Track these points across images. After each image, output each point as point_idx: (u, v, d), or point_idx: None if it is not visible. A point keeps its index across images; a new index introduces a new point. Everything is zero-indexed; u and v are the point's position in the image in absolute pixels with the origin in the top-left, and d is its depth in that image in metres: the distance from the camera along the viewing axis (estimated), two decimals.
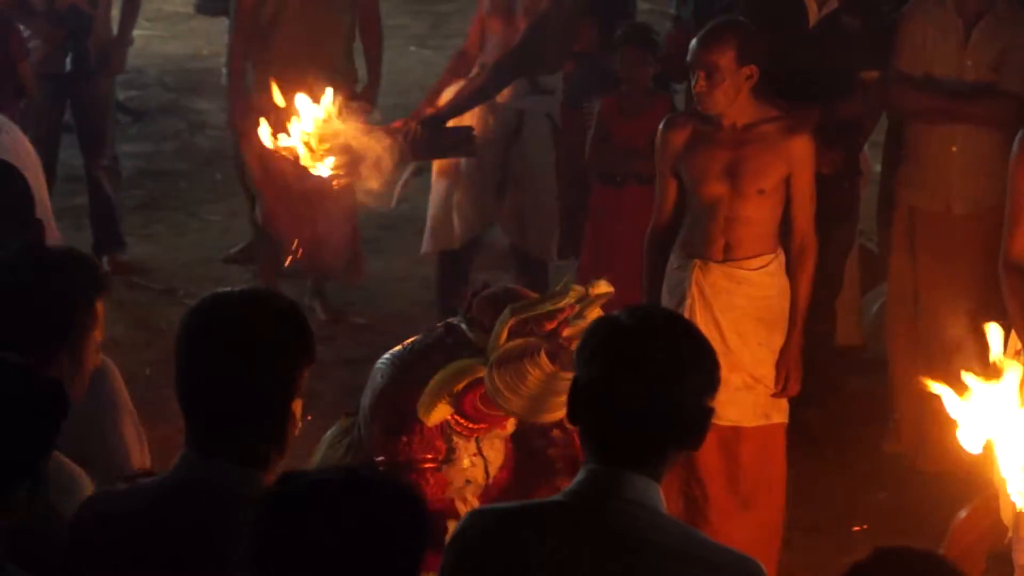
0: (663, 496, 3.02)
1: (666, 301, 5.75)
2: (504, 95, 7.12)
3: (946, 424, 5.92)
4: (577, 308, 4.30)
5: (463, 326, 4.36)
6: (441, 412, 4.32)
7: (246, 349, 3.00)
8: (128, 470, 3.65)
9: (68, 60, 8.55)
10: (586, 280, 4.42)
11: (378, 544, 2.61)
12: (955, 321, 5.63)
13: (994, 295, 5.38)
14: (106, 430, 3.83)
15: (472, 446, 4.44)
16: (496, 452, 4.51)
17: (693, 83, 5.60)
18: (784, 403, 5.72)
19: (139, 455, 3.84)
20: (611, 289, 4.39)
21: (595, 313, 4.28)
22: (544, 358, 4.18)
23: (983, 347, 5.15)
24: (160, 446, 3.16)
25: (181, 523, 2.97)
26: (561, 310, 4.32)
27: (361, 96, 7.63)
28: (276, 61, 7.43)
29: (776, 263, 5.71)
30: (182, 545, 2.95)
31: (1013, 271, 5.23)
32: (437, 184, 7.45)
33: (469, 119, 6.99)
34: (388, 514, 2.64)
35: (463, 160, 7.19)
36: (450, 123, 6.90)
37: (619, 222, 7.36)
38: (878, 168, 7.17)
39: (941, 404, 5.41)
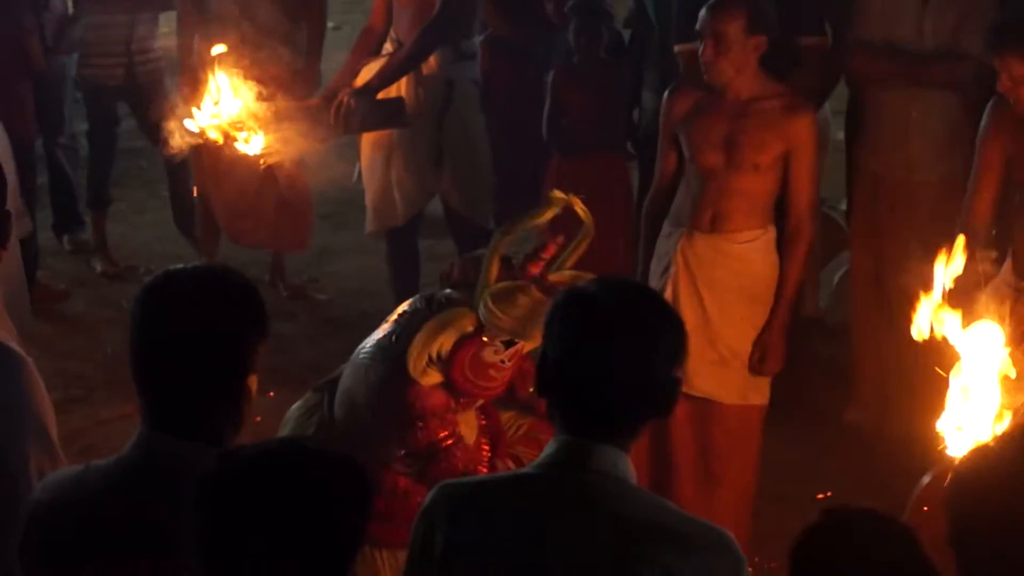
0: (632, 467, 3.01)
1: (654, 269, 5.75)
2: (431, 65, 7.06)
3: (909, 390, 5.98)
4: (559, 253, 4.37)
5: (447, 293, 4.38)
6: (433, 376, 4.32)
7: (199, 326, 2.98)
8: None
9: None
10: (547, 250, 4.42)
11: (320, 516, 2.61)
12: (915, 287, 5.62)
13: None
14: None
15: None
16: (470, 429, 4.52)
17: (700, 50, 5.54)
18: (764, 384, 5.67)
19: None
20: (586, 216, 4.49)
21: (578, 254, 4.33)
22: (535, 289, 4.30)
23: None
24: (122, 425, 3.13)
25: (137, 501, 2.95)
26: (544, 247, 4.41)
27: (300, 75, 7.59)
28: (214, 26, 7.38)
29: (764, 239, 5.65)
30: (139, 523, 2.93)
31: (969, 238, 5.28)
32: (372, 160, 7.35)
33: (396, 92, 6.95)
34: (329, 485, 2.65)
35: (396, 134, 7.12)
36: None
37: (578, 192, 7.35)
38: (840, 136, 7.16)
39: (904, 370, 5.45)
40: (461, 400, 4.43)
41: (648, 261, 5.82)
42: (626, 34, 7.96)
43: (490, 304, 4.26)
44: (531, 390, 4.66)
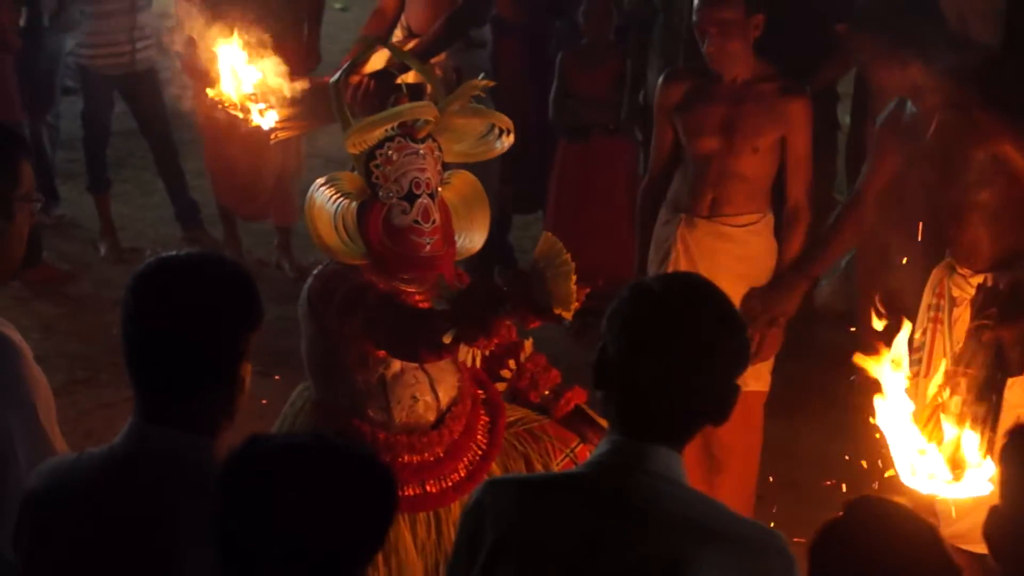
0: (685, 468, 2.96)
1: (652, 256, 5.73)
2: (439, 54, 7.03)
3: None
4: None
5: None
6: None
7: (189, 313, 2.94)
8: None
9: (23, 17, 8.50)
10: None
11: (344, 511, 2.59)
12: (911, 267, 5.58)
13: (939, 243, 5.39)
14: None
15: (421, 374, 4.37)
16: (443, 372, 4.41)
17: (703, 44, 5.50)
18: (764, 371, 5.63)
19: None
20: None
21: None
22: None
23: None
24: (126, 408, 3.11)
25: (131, 491, 2.92)
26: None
27: (301, 56, 7.58)
28: (213, 3, 7.36)
29: (763, 223, 5.66)
30: (132, 513, 2.90)
31: (858, 205, 5.32)
32: None
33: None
34: (355, 481, 2.63)
35: None
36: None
37: (586, 175, 7.35)
38: (847, 120, 7.15)
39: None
40: (406, 279, 4.31)
41: (645, 248, 5.80)
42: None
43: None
44: (546, 392, 4.64)
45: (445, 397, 4.43)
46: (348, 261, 4.27)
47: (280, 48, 6.88)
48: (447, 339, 3.85)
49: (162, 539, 2.87)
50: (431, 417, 4.41)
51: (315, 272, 4.37)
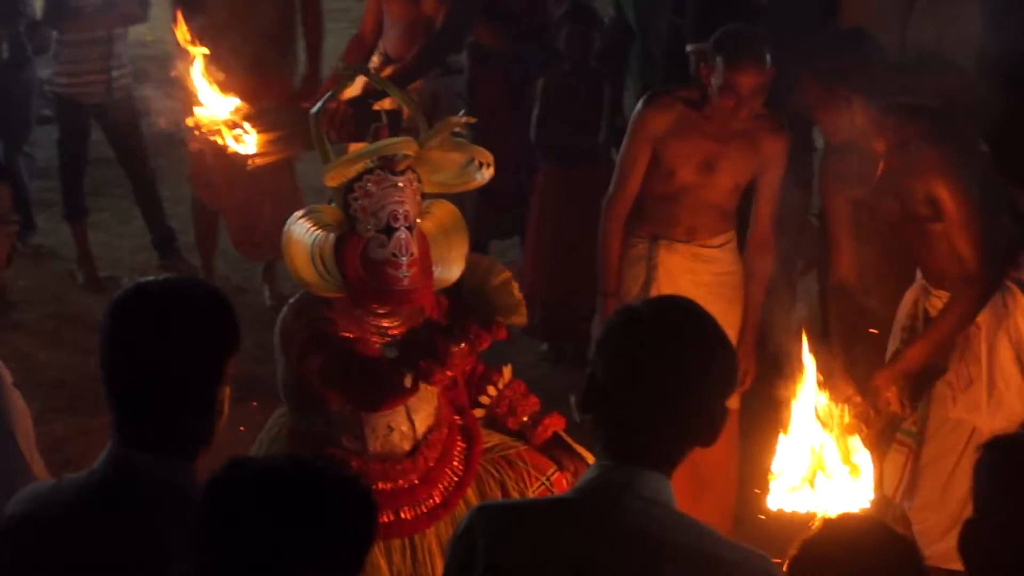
0: (674, 493, 2.96)
1: (627, 274, 5.75)
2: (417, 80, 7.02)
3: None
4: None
5: None
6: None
7: (167, 338, 2.94)
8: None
9: (4, 47, 8.51)
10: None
11: (324, 533, 2.58)
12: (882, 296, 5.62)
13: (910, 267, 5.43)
14: None
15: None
16: (421, 402, 4.38)
17: (736, 108, 5.45)
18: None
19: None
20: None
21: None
22: None
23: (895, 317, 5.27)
24: (105, 435, 3.10)
25: (110, 516, 2.92)
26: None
27: (302, 85, 7.58)
28: (209, 30, 7.36)
29: (734, 240, 5.75)
30: (113, 538, 2.90)
31: (836, 293, 5.40)
32: None
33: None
34: (335, 503, 2.62)
35: None
36: None
37: (567, 200, 7.35)
38: (822, 143, 7.15)
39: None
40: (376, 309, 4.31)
41: (611, 267, 5.76)
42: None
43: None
44: (524, 419, 4.62)
45: (422, 426, 4.42)
46: (323, 295, 4.25)
47: (276, 77, 6.90)
48: (408, 382, 3.88)
49: (143, 563, 2.86)
50: (406, 446, 4.40)
51: (290, 301, 4.36)
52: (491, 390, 4.63)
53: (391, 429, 4.36)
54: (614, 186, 5.78)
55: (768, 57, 5.42)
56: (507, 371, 4.68)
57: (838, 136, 5.20)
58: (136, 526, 2.89)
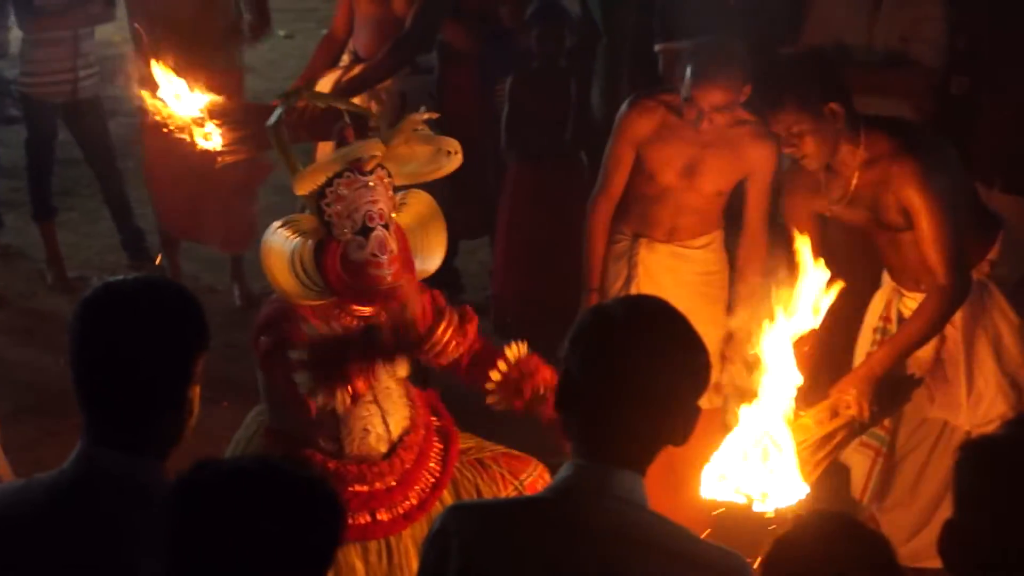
0: (647, 492, 2.97)
1: (609, 271, 5.76)
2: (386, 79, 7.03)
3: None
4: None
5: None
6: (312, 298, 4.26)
7: (137, 337, 2.94)
8: None
9: None
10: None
11: (291, 533, 2.59)
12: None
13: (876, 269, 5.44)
14: None
15: (373, 407, 4.36)
16: (395, 405, 4.41)
17: (696, 122, 5.43)
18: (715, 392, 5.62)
19: None
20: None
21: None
22: None
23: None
24: (75, 437, 3.10)
25: (81, 515, 2.92)
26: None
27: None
28: (158, 24, 7.34)
29: (718, 240, 5.74)
30: (83, 537, 2.90)
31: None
32: None
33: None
34: (301, 504, 2.62)
35: None
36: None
37: (537, 198, 7.35)
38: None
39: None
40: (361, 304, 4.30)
41: (595, 266, 5.76)
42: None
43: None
44: (542, 392, 4.45)
45: (396, 428, 4.42)
46: (302, 303, 4.25)
47: (215, 72, 6.86)
48: (302, 389, 3.90)
49: (113, 562, 2.86)
50: (383, 448, 4.40)
51: (266, 301, 4.37)
52: (502, 364, 4.50)
53: (367, 431, 4.36)
54: (598, 186, 5.80)
55: (742, 74, 5.38)
56: (519, 346, 4.51)
57: (822, 158, 5.08)
58: (106, 525, 2.88)
